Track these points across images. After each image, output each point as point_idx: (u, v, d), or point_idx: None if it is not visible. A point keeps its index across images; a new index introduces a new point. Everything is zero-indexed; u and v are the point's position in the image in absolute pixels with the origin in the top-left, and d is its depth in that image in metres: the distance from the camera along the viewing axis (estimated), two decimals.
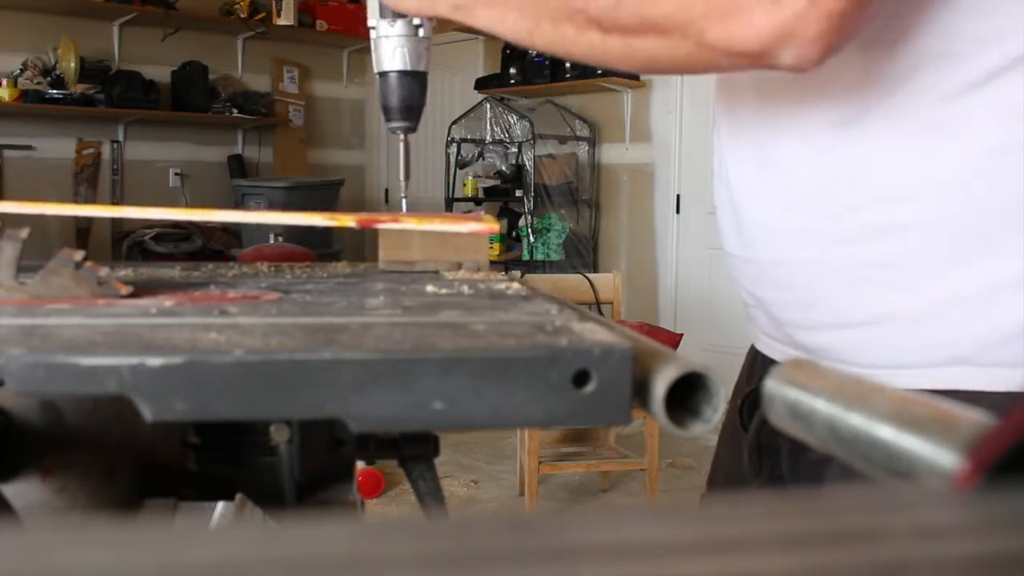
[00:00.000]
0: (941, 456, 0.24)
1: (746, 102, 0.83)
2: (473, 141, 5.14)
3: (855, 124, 0.75)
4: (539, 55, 4.92)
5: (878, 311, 0.77)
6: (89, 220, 5.16)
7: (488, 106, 5.07)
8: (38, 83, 4.85)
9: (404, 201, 0.98)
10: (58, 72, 4.87)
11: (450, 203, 5.13)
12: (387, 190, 6.17)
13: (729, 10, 0.62)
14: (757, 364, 0.93)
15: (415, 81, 0.91)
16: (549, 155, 4.96)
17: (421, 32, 0.90)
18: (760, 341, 0.91)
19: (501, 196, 5.10)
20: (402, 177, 0.96)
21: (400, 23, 0.89)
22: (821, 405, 0.30)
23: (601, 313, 2.74)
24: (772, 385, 0.33)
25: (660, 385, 0.40)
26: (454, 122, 5.25)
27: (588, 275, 3.18)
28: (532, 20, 0.73)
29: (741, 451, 0.91)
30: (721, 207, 0.91)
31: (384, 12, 0.88)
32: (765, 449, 0.87)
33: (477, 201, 5.17)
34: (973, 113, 0.71)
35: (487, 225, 0.81)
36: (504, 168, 5.11)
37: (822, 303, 0.79)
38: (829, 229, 0.77)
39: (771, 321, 0.86)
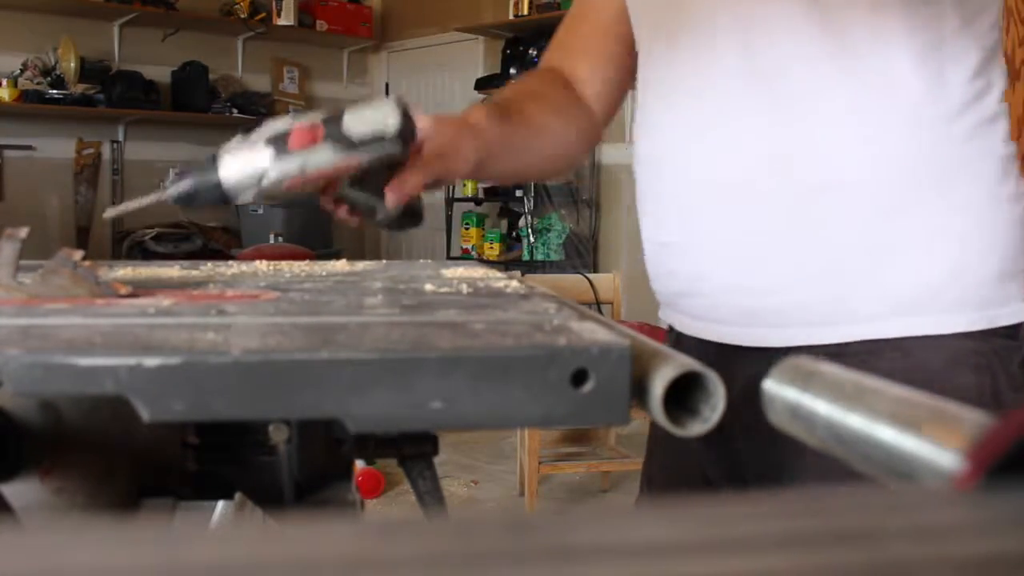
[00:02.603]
0: (941, 456, 0.24)
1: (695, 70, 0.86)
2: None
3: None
4: (539, 55, 4.91)
5: (824, 266, 0.80)
6: (89, 219, 5.16)
7: None
8: (38, 83, 4.85)
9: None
10: (58, 72, 4.87)
11: (450, 203, 5.13)
12: None
13: None
14: (684, 350, 0.93)
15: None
16: None
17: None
18: (692, 327, 0.92)
19: (501, 196, 5.10)
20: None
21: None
22: (821, 406, 0.30)
23: (601, 313, 2.74)
24: (772, 386, 0.33)
25: (658, 384, 0.40)
26: None
27: (588, 275, 3.18)
28: None
29: (683, 445, 0.92)
30: (649, 196, 0.93)
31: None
32: (719, 438, 0.88)
33: (477, 201, 5.17)
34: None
35: None
36: None
37: (770, 266, 0.82)
38: (774, 190, 0.81)
39: (707, 300, 0.87)
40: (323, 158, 0.74)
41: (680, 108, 0.87)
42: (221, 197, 0.74)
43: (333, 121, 0.74)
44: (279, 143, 0.73)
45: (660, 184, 0.91)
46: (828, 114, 0.79)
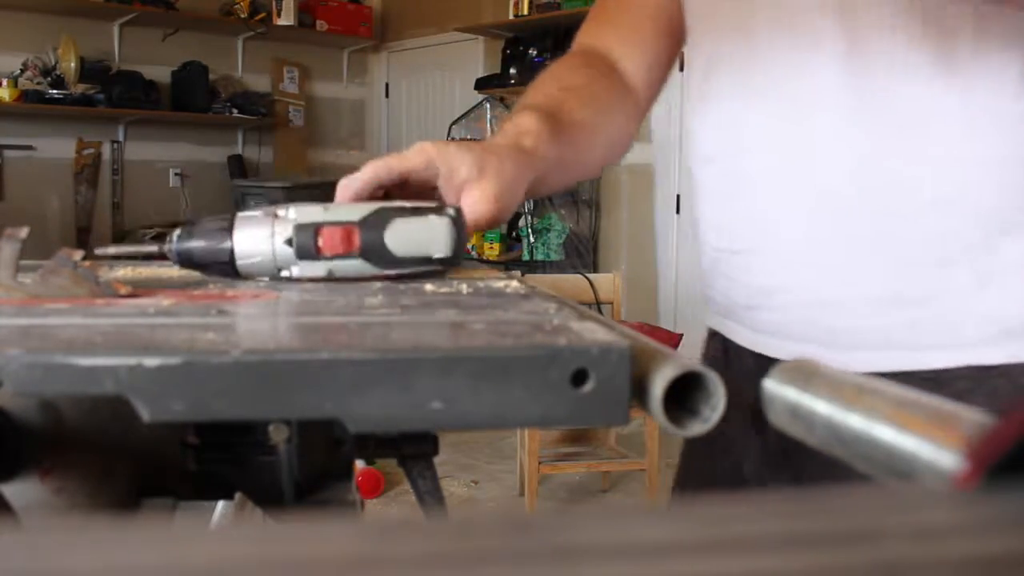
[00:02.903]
0: (941, 456, 0.24)
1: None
2: (473, 141, 5.15)
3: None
4: (539, 55, 4.91)
5: (927, 287, 0.76)
6: (89, 219, 5.16)
7: (488, 106, 5.07)
8: (38, 83, 4.85)
9: None
10: (58, 72, 4.88)
11: None
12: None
13: None
14: (735, 361, 0.91)
15: None
16: None
17: None
18: (753, 341, 0.88)
19: None
20: None
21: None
22: (821, 406, 0.30)
23: (601, 313, 2.74)
24: (772, 386, 0.33)
25: (658, 384, 0.40)
26: (454, 122, 5.25)
27: (588, 275, 3.18)
28: None
29: (738, 452, 0.91)
30: (717, 199, 0.88)
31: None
32: (789, 452, 0.85)
33: None
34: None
35: None
36: None
37: (865, 284, 0.77)
38: (876, 205, 0.76)
39: (781, 315, 0.83)
40: (355, 268, 0.65)
41: (767, 110, 0.82)
42: (229, 273, 0.67)
43: (373, 227, 0.65)
44: (307, 240, 0.64)
45: (734, 187, 0.86)
46: (940, 133, 0.75)
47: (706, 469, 0.97)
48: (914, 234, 0.76)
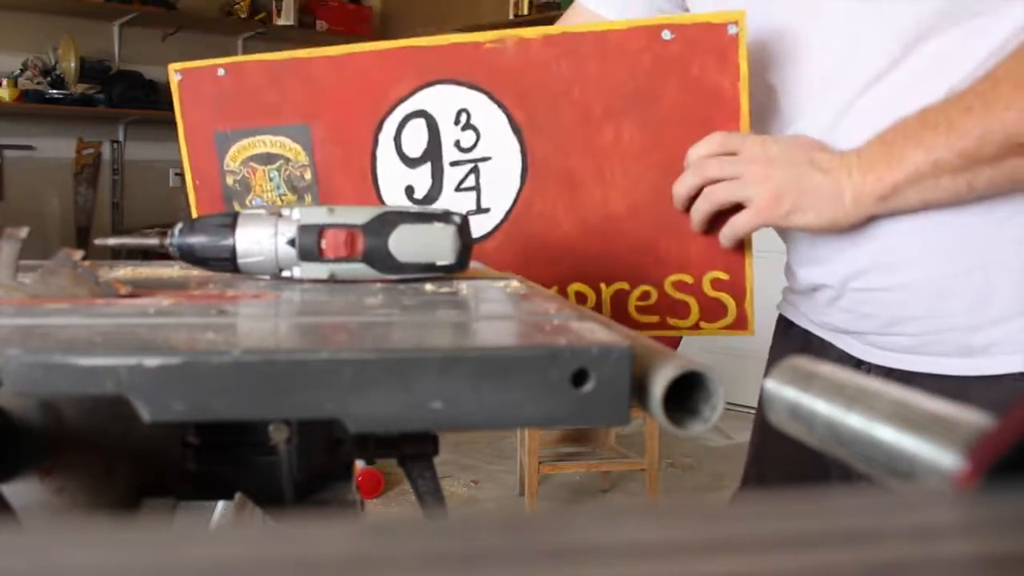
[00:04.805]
0: (941, 456, 0.24)
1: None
2: None
3: None
4: None
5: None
6: (89, 219, 5.15)
7: None
8: (38, 83, 4.85)
9: None
10: (58, 72, 4.87)
11: None
12: None
13: None
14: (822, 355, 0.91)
15: None
16: None
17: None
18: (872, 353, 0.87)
19: None
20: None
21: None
22: (821, 406, 0.30)
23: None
24: (772, 386, 0.33)
25: (658, 384, 0.40)
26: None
27: None
28: (967, 173, 0.72)
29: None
30: (848, 239, 0.85)
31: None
32: None
33: None
34: None
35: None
36: None
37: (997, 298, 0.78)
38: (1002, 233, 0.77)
39: (906, 337, 0.83)
40: (358, 272, 0.65)
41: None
42: (229, 270, 0.67)
43: (377, 231, 0.64)
44: (309, 241, 0.64)
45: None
46: None
47: (784, 457, 0.97)
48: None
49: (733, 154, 0.79)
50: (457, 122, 0.91)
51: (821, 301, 0.90)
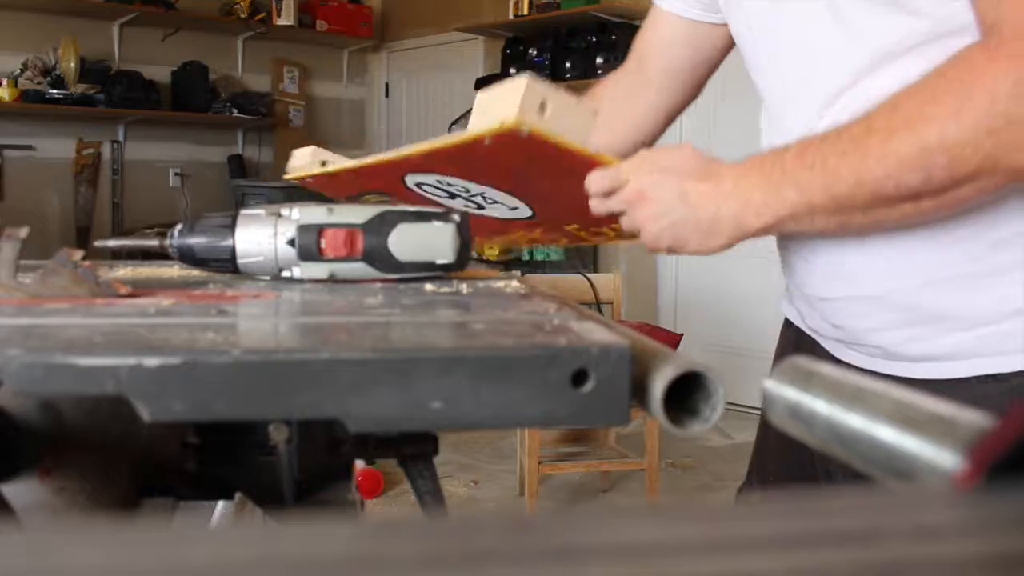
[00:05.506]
0: (941, 456, 0.24)
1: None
2: None
3: None
4: (539, 55, 4.91)
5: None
6: (89, 219, 5.16)
7: None
8: (38, 83, 4.85)
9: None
10: (58, 72, 4.87)
11: None
12: None
13: (1019, 141, 0.67)
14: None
15: None
16: None
17: None
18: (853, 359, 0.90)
19: None
20: None
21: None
22: (821, 406, 0.30)
23: (601, 313, 2.74)
24: (772, 386, 0.33)
25: (658, 384, 0.40)
26: (454, 122, 5.24)
27: (588, 275, 3.17)
28: (840, 217, 0.75)
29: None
30: (803, 252, 0.89)
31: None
32: None
33: None
34: None
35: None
36: None
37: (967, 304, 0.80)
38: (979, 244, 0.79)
39: (875, 347, 0.86)
40: (358, 271, 0.65)
41: None
42: (229, 271, 0.67)
43: (376, 230, 0.64)
44: (309, 241, 0.64)
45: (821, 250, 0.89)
46: None
47: (788, 456, 0.97)
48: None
49: (619, 187, 0.81)
50: (452, 186, 0.92)
51: (805, 305, 0.93)
